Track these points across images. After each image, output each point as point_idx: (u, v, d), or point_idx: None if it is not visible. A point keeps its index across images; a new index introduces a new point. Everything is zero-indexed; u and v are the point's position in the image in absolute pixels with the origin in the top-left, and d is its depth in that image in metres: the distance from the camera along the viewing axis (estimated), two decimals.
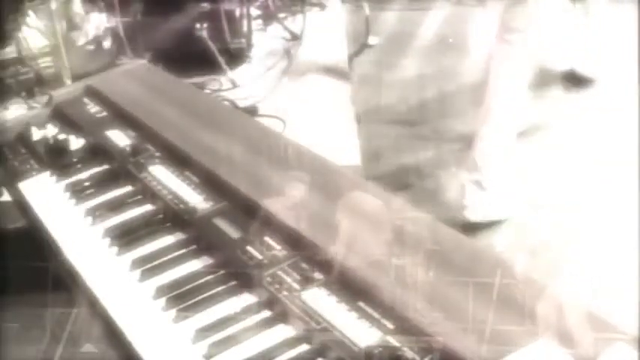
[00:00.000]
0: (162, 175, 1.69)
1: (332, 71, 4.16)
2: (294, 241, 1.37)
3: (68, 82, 3.50)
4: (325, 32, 4.63)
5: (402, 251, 1.28)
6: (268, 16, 4.72)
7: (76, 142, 1.90)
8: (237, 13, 4.24)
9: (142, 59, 3.49)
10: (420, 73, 4.24)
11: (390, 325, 1.15)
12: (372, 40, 4.66)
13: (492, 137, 2.96)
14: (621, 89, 3.69)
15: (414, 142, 3.62)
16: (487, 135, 2.97)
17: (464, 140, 3.52)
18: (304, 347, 1.19)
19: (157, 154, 1.77)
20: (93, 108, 2.06)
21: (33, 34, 3.69)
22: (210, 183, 1.61)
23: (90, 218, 1.63)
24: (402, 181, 3.25)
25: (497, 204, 2.97)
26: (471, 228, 2.87)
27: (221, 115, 2.07)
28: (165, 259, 1.45)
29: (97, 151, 1.88)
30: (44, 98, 2.25)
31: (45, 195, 1.77)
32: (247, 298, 1.31)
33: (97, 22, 4.04)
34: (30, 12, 3.70)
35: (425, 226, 1.37)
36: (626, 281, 2.40)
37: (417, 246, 1.29)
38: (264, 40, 4.54)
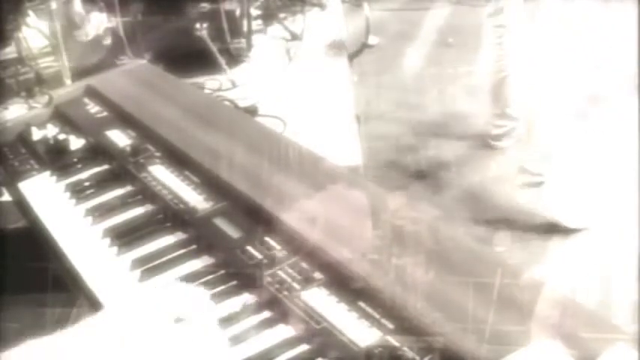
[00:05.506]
0: (162, 175, 1.69)
1: (331, 71, 4.16)
2: (294, 241, 1.37)
3: (68, 82, 3.50)
4: (325, 32, 4.62)
5: (402, 251, 1.28)
6: (268, 16, 4.72)
7: (76, 142, 1.90)
8: (237, 13, 4.23)
9: (142, 59, 3.50)
10: (420, 73, 4.24)
11: (390, 325, 1.15)
12: (372, 40, 4.66)
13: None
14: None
15: (414, 141, 3.62)
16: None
17: (473, 139, 3.52)
18: (304, 347, 1.18)
19: (157, 154, 1.77)
20: (93, 108, 2.06)
21: (33, 34, 3.68)
22: (210, 183, 1.61)
23: (90, 218, 1.63)
24: (402, 180, 3.26)
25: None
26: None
27: (221, 115, 2.07)
28: (165, 259, 1.45)
29: (97, 151, 1.88)
30: (44, 98, 2.25)
31: (45, 195, 1.77)
32: (247, 298, 1.31)
33: (98, 22, 4.04)
34: (30, 12, 3.70)
35: (425, 225, 1.37)
36: (626, 281, 2.40)
37: (417, 245, 1.29)
38: (264, 40, 4.54)
